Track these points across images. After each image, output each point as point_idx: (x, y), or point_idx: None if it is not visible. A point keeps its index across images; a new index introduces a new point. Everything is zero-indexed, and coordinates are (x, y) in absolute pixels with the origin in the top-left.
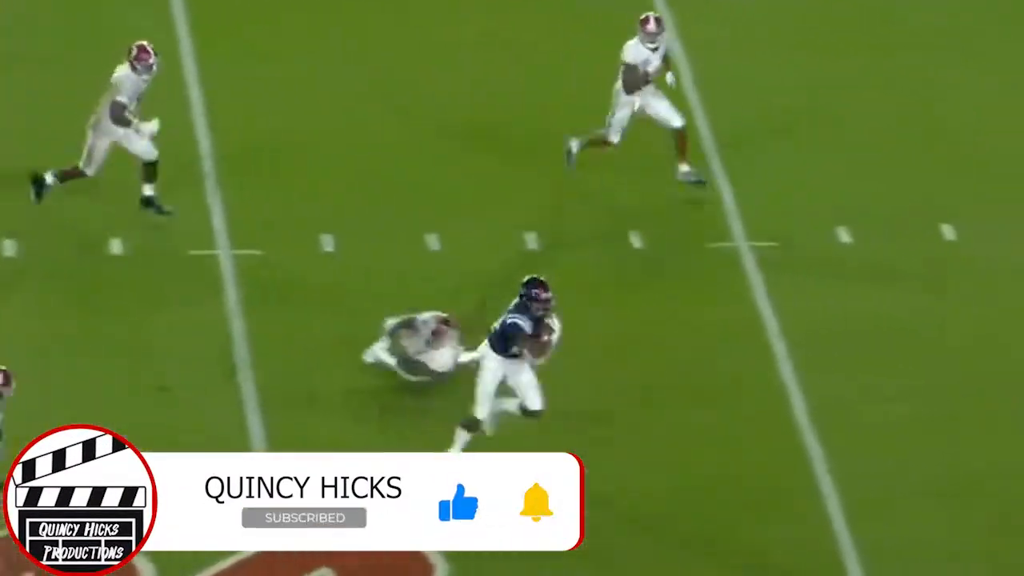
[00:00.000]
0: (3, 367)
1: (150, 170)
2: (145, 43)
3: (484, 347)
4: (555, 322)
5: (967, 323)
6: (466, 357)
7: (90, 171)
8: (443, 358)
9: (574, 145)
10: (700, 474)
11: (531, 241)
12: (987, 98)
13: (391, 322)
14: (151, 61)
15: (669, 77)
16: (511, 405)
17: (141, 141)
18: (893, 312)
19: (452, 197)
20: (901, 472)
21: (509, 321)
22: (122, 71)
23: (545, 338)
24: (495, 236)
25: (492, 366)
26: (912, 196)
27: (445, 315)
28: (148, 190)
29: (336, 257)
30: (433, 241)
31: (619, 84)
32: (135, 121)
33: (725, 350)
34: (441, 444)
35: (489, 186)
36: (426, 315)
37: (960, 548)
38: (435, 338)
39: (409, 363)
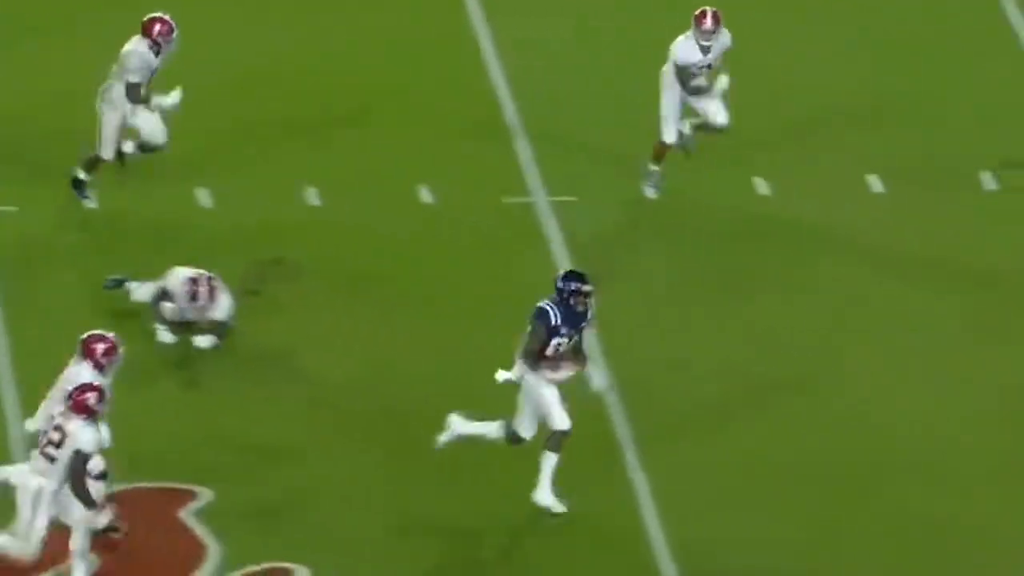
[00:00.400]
0: (109, 333)
1: (148, 152)
2: (165, 16)
3: (520, 364)
4: (568, 369)
5: (777, 286)
6: (504, 375)
7: (104, 154)
8: (224, 304)
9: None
10: (500, 454)
11: (312, 196)
12: (793, 44)
13: (139, 295)
14: (173, 36)
15: (722, 81)
16: (491, 429)
17: (151, 120)
18: (701, 274)
19: (226, 150)
20: (709, 454)
21: (538, 305)
22: (133, 44)
23: (563, 368)
24: (273, 191)
25: (534, 378)
26: (724, 147)
27: (203, 273)
28: (128, 146)
29: (98, 214)
30: (204, 196)
31: (665, 70)
32: (154, 99)
33: (525, 313)
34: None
35: (267, 139)
36: (176, 277)
37: (773, 535)
38: (212, 292)
39: (185, 324)
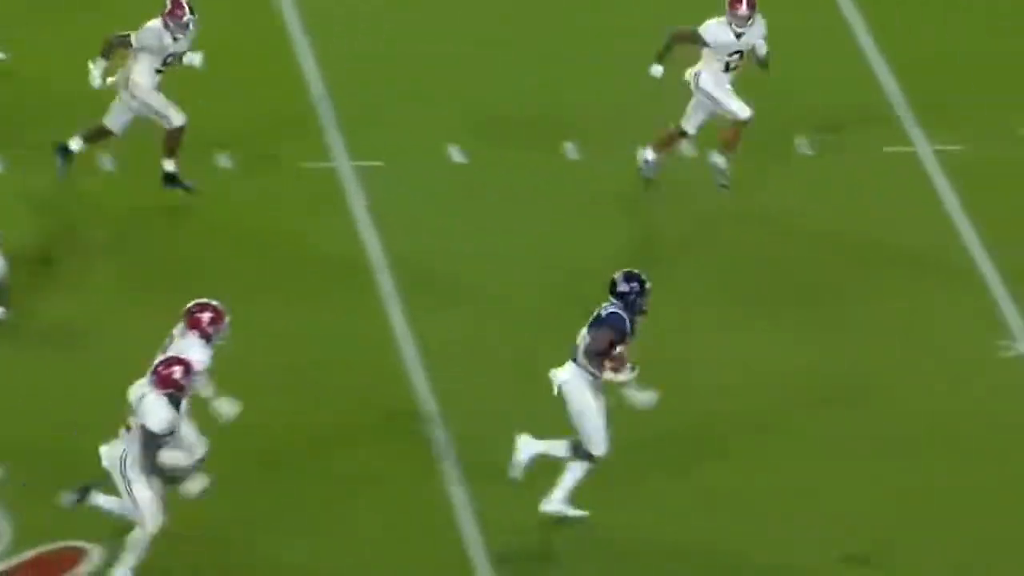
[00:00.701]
0: (213, 302)
1: (102, 136)
2: None
3: (567, 372)
4: (629, 369)
5: (581, 247)
6: (557, 379)
7: (176, 120)
8: None
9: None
10: (304, 423)
11: (107, 162)
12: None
13: None
14: (185, 19)
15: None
16: (557, 448)
17: (148, 103)
18: (508, 238)
19: (19, 114)
20: (512, 411)
21: (610, 311)
22: (151, 23)
23: (612, 365)
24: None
25: (586, 392)
26: (535, 110)
27: None
28: (75, 144)
29: None
30: None
31: (693, 73)
32: (147, 85)
33: (328, 285)
34: None
35: (59, 103)
36: None
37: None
38: None
39: None
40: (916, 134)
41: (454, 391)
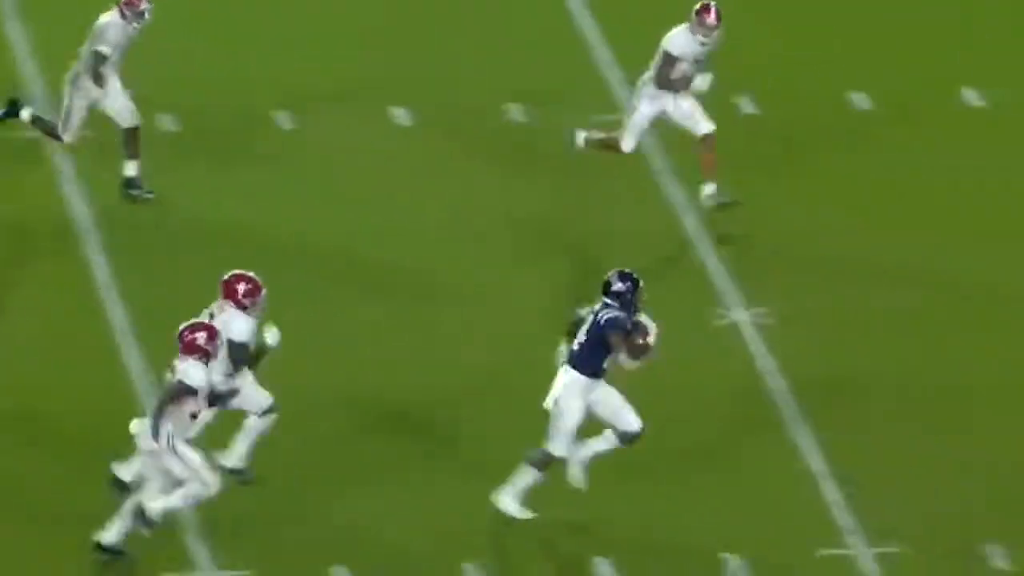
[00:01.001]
0: (249, 273)
1: (131, 139)
2: None
3: (563, 376)
4: (650, 323)
5: (291, 215)
6: (549, 400)
7: (67, 137)
8: None
9: (580, 138)
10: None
11: None
12: None
13: None
14: (142, 7)
15: (699, 81)
16: (603, 443)
17: (120, 101)
18: (222, 208)
19: None
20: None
21: (607, 317)
22: (108, 17)
23: (641, 341)
24: None
25: (576, 398)
26: (248, 79)
27: None
28: (131, 169)
29: None
30: None
31: (647, 78)
32: (112, 79)
33: (33, 252)
34: None
35: None
36: None
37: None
38: None
39: None
40: (623, 101)
41: (166, 360)
